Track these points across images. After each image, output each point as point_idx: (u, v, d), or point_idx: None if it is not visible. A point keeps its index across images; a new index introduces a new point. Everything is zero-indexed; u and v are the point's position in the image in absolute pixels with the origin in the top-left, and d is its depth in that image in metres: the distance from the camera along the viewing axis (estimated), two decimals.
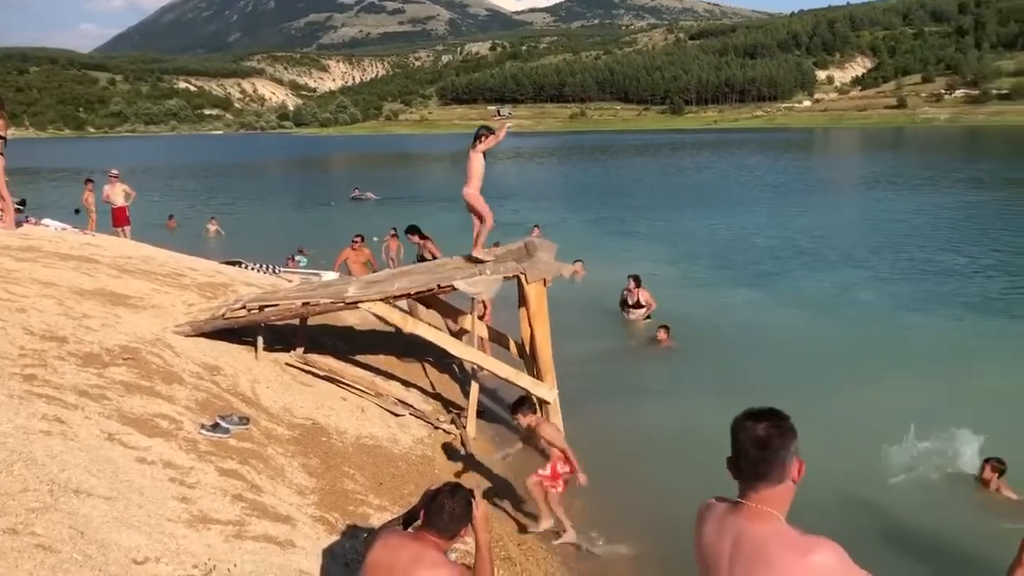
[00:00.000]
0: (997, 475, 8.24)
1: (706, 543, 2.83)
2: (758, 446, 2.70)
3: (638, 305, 16.30)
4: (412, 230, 13.84)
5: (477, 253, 10.24)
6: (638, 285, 16.37)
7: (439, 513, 4.11)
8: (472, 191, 10.08)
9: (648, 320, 16.10)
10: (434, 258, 12.79)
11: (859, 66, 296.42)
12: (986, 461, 8.39)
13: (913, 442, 9.46)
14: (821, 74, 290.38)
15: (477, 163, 9.99)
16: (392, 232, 18.44)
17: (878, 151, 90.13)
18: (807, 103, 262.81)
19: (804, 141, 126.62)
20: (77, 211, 26.87)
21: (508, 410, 11.16)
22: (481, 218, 10.25)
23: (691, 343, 14.43)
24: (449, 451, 9.41)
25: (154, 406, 7.21)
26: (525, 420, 7.91)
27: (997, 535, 7.38)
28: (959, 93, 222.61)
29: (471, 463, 9.17)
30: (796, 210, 35.47)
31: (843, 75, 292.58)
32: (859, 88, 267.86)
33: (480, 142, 9.90)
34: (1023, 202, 36.09)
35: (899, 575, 7.05)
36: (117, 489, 5.38)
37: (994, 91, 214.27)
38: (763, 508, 2.70)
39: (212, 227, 29.42)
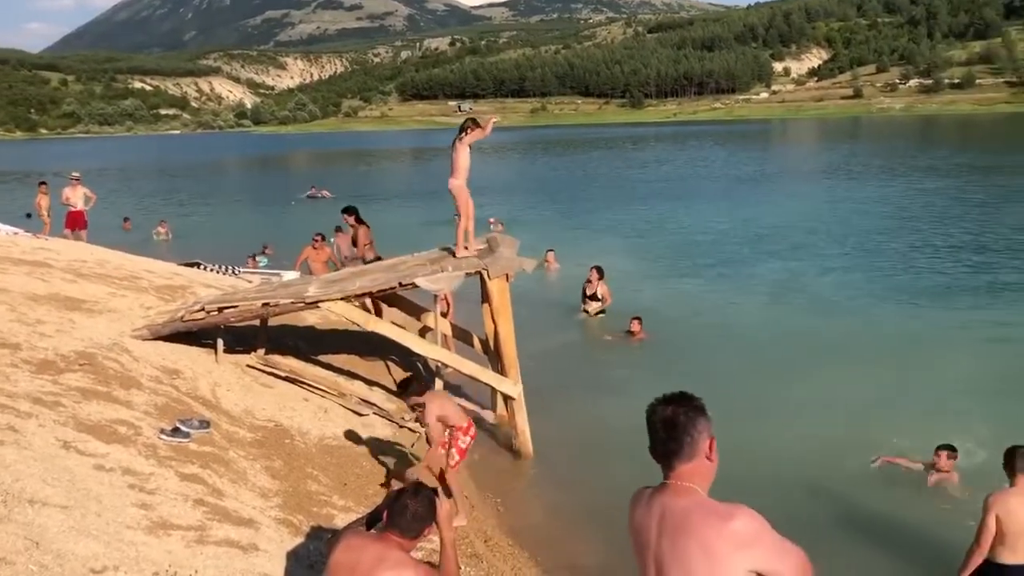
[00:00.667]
0: (949, 461, 8.34)
1: (636, 523, 2.96)
2: (666, 427, 2.85)
3: (595, 297, 16.26)
4: (349, 210, 13.35)
5: (460, 253, 10.03)
6: (600, 277, 16.34)
7: (402, 513, 4.09)
8: (459, 183, 9.97)
9: (601, 315, 16.08)
10: (361, 245, 12.46)
11: (815, 57, 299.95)
12: (939, 448, 8.42)
13: (868, 429, 9.62)
14: (778, 66, 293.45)
15: (463, 155, 9.86)
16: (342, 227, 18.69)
17: (836, 141, 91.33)
18: (765, 95, 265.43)
19: (763, 132, 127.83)
20: (28, 215, 26.34)
21: (479, 404, 11.22)
22: (464, 212, 10.13)
23: (656, 335, 14.48)
24: (414, 449, 9.37)
25: (112, 412, 7.09)
26: (411, 402, 7.44)
27: (947, 522, 7.56)
28: (913, 83, 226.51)
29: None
30: (756, 201, 35.79)
31: (800, 66, 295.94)
32: (816, 79, 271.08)
33: (466, 134, 9.79)
34: (976, 189, 36.73)
35: (848, 562, 7.14)
36: (74, 497, 5.28)
37: (946, 80, 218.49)
38: (684, 484, 2.85)
39: (162, 230, 28.75)
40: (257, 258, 21.32)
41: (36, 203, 21.16)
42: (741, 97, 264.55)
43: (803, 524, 6.80)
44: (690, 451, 2.84)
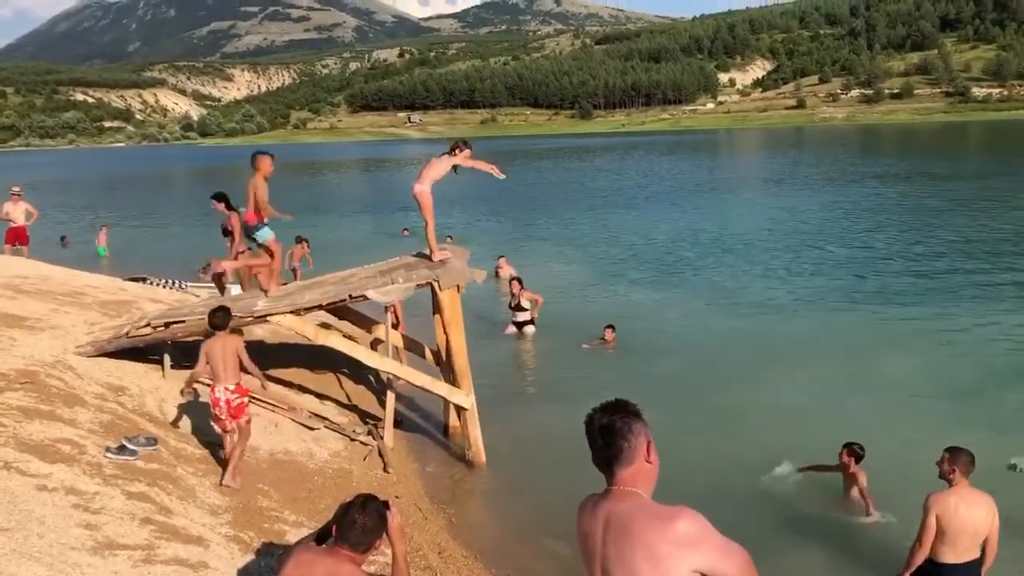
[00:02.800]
0: (854, 460, 8.23)
1: (583, 530, 3.00)
2: (604, 434, 2.90)
3: (520, 308, 15.82)
4: (219, 197, 12.40)
5: (437, 256, 10.10)
6: (521, 287, 15.91)
7: (351, 528, 4.06)
8: (423, 188, 9.89)
9: (531, 327, 15.74)
10: (234, 234, 11.75)
11: (759, 68, 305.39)
12: (845, 446, 8.32)
13: (815, 432, 9.77)
14: (723, 77, 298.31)
15: (439, 168, 9.83)
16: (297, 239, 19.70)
17: (780, 151, 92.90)
18: (711, 105, 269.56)
19: (709, 142, 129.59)
20: None
21: (426, 420, 11.19)
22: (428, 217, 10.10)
23: (616, 343, 14.51)
24: (367, 463, 9.31)
25: (55, 431, 6.93)
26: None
27: (849, 524, 7.72)
28: (854, 93, 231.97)
29: (389, 474, 9.08)
30: (704, 210, 36.25)
31: (744, 77, 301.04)
32: (760, 90, 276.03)
33: (454, 155, 9.81)
34: (915, 196, 37.66)
35: (792, 562, 7.28)
36: (15, 519, 5.16)
37: (886, 90, 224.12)
38: (626, 489, 2.90)
39: (103, 236, 27.73)
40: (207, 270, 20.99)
41: None
42: (688, 108, 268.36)
43: (748, 526, 6.92)
44: (629, 456, 2.89)
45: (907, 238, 25.49)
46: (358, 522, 4.06)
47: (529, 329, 15.79)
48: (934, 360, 13.05)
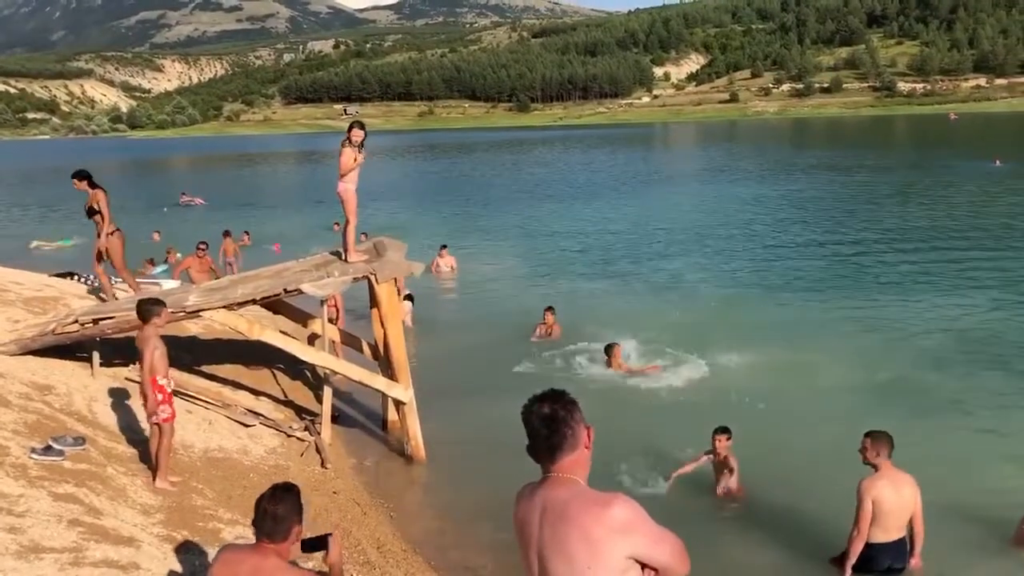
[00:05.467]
0: (727, 443, 8.25)
1: (520, 518, 3.04)
2: (546, 423, 2.92)
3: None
4: (80, 175, 11.74)
5: (351, 257, 9.90)
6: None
7: (263, 519, 4.08)
8: (346, 187, 9.74)
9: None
10: (101, 214, 11.38)
11: (694, 62, 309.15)
12: (716, 432, 8.26)
13: (754, 419, 9.94)
14: (659, 71, 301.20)
15: (346, 158, 9.55)
16: (224, 233, 20.01)
17: (715, 143, 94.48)
18: (646, 99, 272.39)
19: (645, 136, 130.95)
20: None
21: (364, 415, 11.10)
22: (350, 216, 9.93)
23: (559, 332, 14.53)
24: (304, 459, 9.20)
25: None
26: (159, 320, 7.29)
27: (830, 509, 7.85)
28: (785, 87, 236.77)
29: (328, 469, 9.00)
30: (639, 201, 36.68)
31: (679, 71, 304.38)
32: (694, 84, 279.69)
33: (350, 136, 9.57)
34: (845, 186, 38.67)
35: (728, 553, 7.43)
36: None
37: (816, 84, 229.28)
38: (564, 476, 2.95)
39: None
40: (154, 262, 20.55)
41: None
42: (624, 101, 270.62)
43: (682, 515, 7.03)
44: (572, 442, 2.93)
45: (836, 228, 26.14)
46: (268, 511, 4.07)
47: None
48: (861, 347, 13.37)
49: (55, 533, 5.44)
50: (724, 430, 8.30)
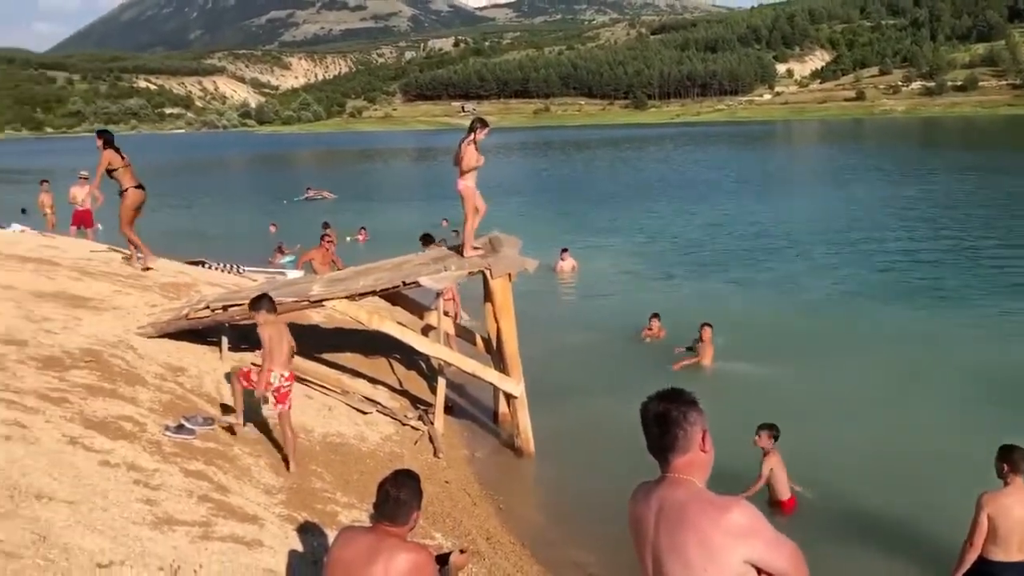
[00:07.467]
0: (773, 441, 8.05)
1: (635, 517, 3.02)
2: (659, 422, 2.92)
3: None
4: (98, 134, 12.16)
5: (467, 252, 10.01)
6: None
7: (385, 502, 4.22)
8: (466, 184, 9.92)
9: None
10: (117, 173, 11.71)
11: (818, 59, 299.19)
12: (761, 428, 8.10)
13: (882, 429, 9.62)
14: (781, 67, 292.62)
15: (469, 156, 9.73)
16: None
17: (839, 143, 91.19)
18: (768, 96, 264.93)
19: (766, 134, 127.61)
20: (24, 211, 26.57)
21: (476, 407, 11.26)
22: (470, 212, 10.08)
23: (670, 335, 14.39)
24: (417, 447, 9.41)
25: (117, 408, 7.13)
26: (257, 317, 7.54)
27: (940, 520, 7.49)
28: (916, 85, 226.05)
29: (440, 459, 9.17)
30: (761, 202, 35.82)
31: (803, 68, 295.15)
32: (818, 81, 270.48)
33: (473, 135, 9.71)
34: (978, 191, 36.74)
35: (842, 558, 7.17)
36: (80, 493, 5.32)
37: (949, 83, 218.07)
38: (681, 476, 2.92)
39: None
40: (285, 250, 21.99)
41: (39, 201, 21.24)
42: (744, 98, 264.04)
43: (799, 521, 6.87)
44: (684, 444, 2.91)
45: (972, 234, 24.88)
46: (391, 496, 4.21)
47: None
48: (999, 357, 12.73)
49: (186, 507, 5.74)
50: (766, 426, 8.08)
